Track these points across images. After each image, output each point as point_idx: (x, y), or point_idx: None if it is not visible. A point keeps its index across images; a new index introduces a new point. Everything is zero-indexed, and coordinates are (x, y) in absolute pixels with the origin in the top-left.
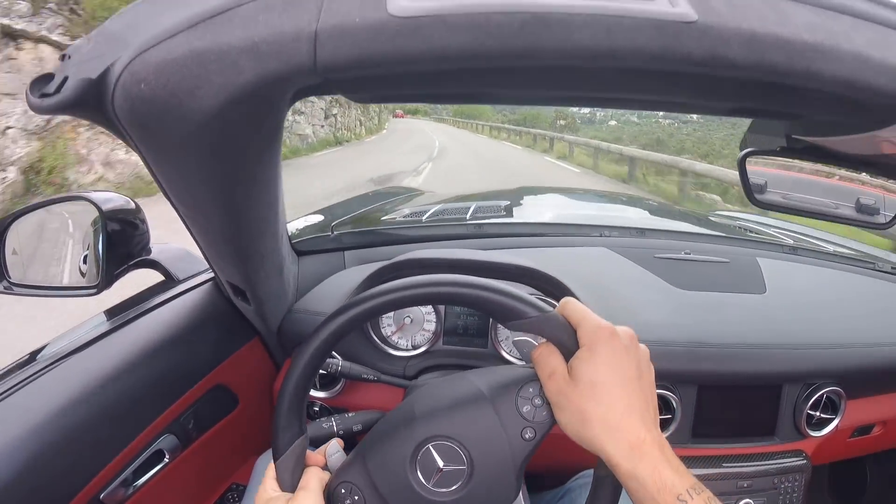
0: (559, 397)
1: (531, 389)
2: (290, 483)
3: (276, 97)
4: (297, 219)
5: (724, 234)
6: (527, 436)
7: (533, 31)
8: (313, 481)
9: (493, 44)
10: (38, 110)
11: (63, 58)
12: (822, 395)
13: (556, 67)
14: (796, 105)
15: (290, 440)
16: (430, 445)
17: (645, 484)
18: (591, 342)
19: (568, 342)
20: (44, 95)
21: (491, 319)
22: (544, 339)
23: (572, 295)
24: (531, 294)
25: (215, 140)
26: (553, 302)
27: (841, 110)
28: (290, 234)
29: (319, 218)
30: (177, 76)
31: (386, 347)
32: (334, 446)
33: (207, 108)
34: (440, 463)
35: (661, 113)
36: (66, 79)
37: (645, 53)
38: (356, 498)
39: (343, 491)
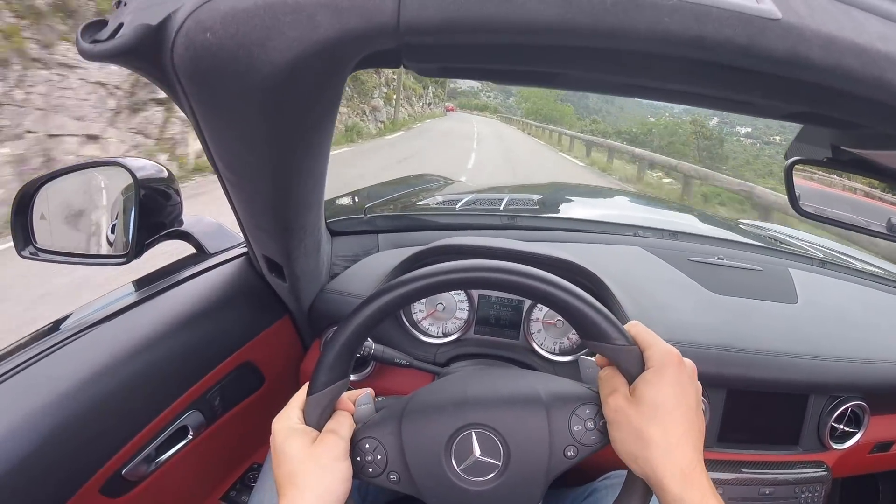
0: (617, 415)
1: (588, 411)
2: (316, 420)
3: (348, 58)
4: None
5: (756, 243)
6: (569, 454)
7: (625, 10)
8: (345, 428)
9: (583, 19)
10: (89, 56)
11: (118, 4)
12: (847, 408)
13: (637, 53)
14: (858, 114)
15: (332, 380)
16: (473, 431)
17: None
18: (659, 365)
19: (635, 372)
20: (95, 42)
21: (525, 311)
22: (608, 363)
23: (608, 290)
24: None
25: (278, 99)
26: None
27: None
28: None
29: (351, 200)
30: (246, 26)
31: (417, 333)
32: (366, 397)
33: (277, 63)
34: (477, 451)
35: (743, 132)
36: (121, 25)
37: (732, 45)
38: (379, 457)
39: (367, 446)
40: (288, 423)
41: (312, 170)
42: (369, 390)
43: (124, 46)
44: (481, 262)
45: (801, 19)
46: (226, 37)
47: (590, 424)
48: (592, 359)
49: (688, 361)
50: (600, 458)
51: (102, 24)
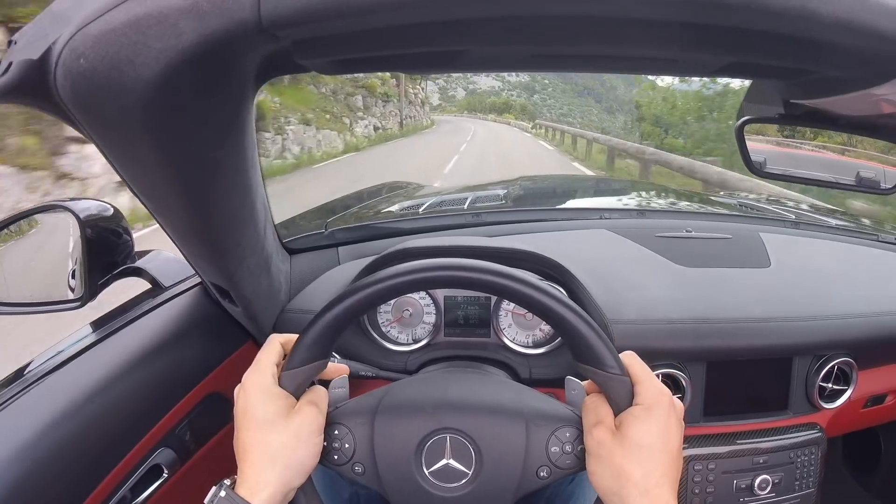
0: (600, 448)
1: (568, 434)
2: (292, 391)
3: (228, 66)
4: (289, 218)
5: (725, 212)
6: (541, 474)
7: None
8: (324, 402)
9: None
10: None
11: (10, 44)
12: (834, 366)
13: (536, 17)
14: (793, 57)
15: (311, 359)
16: (448, 435)
17: None
18: (650, 403)
19: (623, 403)
20: None
21: (492, 307)
22: (597, 390)
23: (573, 277)
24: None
25: (160, 116)
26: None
27: (840, 62)
28: (280, 233)
29: (311, 217)
30: (115, 46)
31: (385, 343)
32: (341, 380)
33: (148, 77)
34: (448, 456)
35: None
36: (10, 64)
37: None
38: (346, 446)
39: (336, 432)
40: (264, 380)
41: (233, 188)
42: (344, 374)
43: (10, 84)
44: (501, 267)
45: None
46: (97, 60)
47: (567, 448)
48: (580, 381)
49: (677, 402)
50: None
51: None
